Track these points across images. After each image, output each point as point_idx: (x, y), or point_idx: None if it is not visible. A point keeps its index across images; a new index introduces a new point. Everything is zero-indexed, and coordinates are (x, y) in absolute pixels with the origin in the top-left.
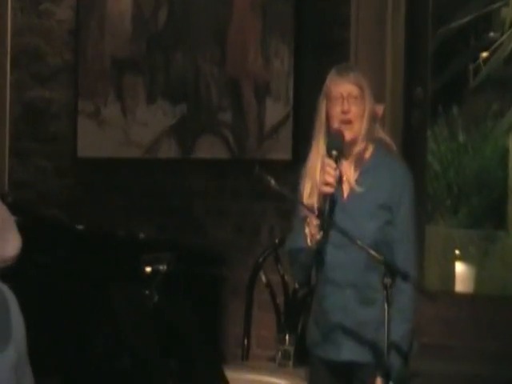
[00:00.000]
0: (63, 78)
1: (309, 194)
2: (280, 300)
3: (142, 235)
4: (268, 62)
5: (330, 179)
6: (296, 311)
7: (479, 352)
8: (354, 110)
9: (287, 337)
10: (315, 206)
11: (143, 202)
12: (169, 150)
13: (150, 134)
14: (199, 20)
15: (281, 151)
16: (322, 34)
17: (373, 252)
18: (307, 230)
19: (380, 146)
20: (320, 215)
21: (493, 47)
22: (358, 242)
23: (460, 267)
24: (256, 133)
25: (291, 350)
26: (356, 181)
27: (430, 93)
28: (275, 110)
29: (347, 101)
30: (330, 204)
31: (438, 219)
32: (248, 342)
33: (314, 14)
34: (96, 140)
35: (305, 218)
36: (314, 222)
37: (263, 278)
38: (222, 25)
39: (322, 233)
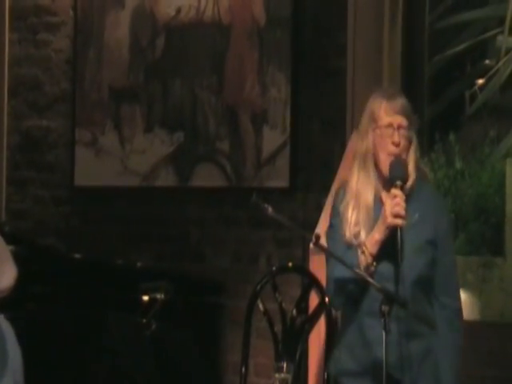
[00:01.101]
0: (60, 107)
1: (355, 221)
2: (278, 328)
3: (139, 264)
4: (265, 90)
5: (402, 211)
6: (294, 339)
7: (479, 380)
8: (402, 142)
9: (285, 365)
10: (362, 235)
11: (140, 230)
12: (166, 179)
13: (148, 162)
14: (196, 48)
15: (278, 179)
16: (318, 62)
17: (370, 279)
18: (362, 259)
19: (420, 175)
20: (316, 242)
21: (488, 74)
22: (356, 270)
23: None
24: (253, 161)
25: (289, 378)
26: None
27: (426, 120)
28: (272, 138)
29: (398, 132)
30: (401, 237)
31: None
32: (246, 370)
33: (311, 43)
34: (93, 169)
35: (358, 246)
36: (369, 251)
37: (261, 306)
38: (219, 53)
39: (374, 264)
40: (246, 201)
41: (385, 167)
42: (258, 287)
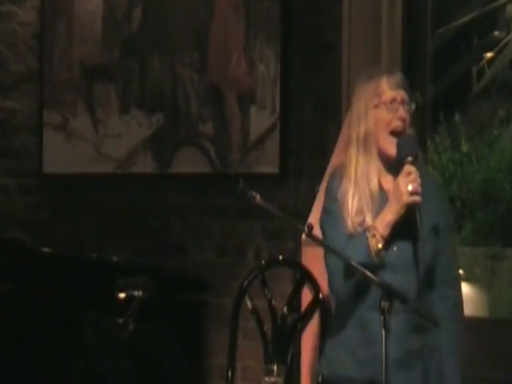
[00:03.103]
0: (27, 87)
1: (357, 210)
2: (267, 327)
3: (115, 258)
4: (252, 67)
5: (419, 188)
6: (285, 339)
7: (488, 382)
8: (407, 118)
9: (275, 368)
10: (368, 221)
11: (116, 221)
12: (144, 165)
13: (124, 147)
14: (177, 22)
15: (267, 164)
16: (311, 37)
17: (368, 273)
18: (373, 243)
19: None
20: (309, 233)
21: (498, 47)
22: (353, 263)
23: (465, 288)
24: (240, 145)
25: (280, 382)
26: None
27: (429, 99)
28: (260, 120)
29: (403, 107)
30: (420, 216)
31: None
32: (233, 373)
33: (303, 15)
34: (64, 154)
35: (368, 230)
36: (381, 233)
37: (249, 304)
38: (201, 27)
39: (384, 251)
40: (231, 188)
41: (389, 146)
42: (246, 283)
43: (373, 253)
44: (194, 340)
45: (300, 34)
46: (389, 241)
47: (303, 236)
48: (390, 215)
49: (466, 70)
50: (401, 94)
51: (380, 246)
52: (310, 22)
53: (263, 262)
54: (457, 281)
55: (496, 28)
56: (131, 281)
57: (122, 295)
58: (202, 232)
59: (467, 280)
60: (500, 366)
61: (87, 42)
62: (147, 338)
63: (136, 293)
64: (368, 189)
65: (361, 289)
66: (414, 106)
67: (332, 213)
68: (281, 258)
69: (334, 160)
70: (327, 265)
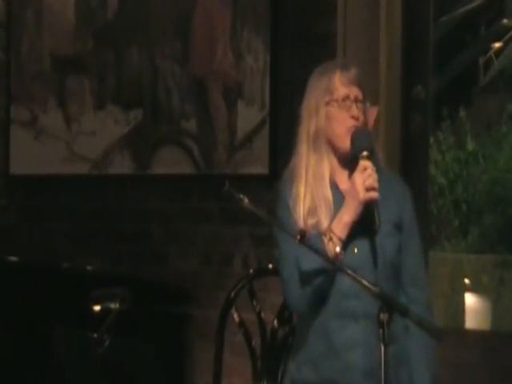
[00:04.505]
0: None
1: (309, 211)
2: (256, 342)
3: (89, 267)
4: (240, 58)
5: (375, 183)
6: (275, 355)
7: None
8: (361, 117)
9: None
10: (324, 223)
11: (91, 227)
12: (121, 165)
13: (99, 146)
14: (157, 9)
15: (256, 164)
16: (303, 26)
17: (365, 282)
18: (330, 247)
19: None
20: (301, 239)
21: (506, 37)
22: (346, 269)
23: (471, 299)
24: (226, 143)
25: None
26: None
27: (432, 92)
28: (248, 116)
29: (356, 105)
30: (378, 213)
31: (444, 243)
32: None
33: (294, 2)
34: (33, 154)
35: (325, 233)
36: (338, 236)
37: (236, 317)
38: (184, 15)
39: (342, 252)
40: (217, 191)
41: (343, 143)
42: (233, 294)
43: (330, 256)
44: (177, 356)
45: (291, 23)
46: (347, 242)
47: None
48: (347, 215)
49: (471, 62)
50: (354, 92)
51: (338, 249)
52: (302, 9)
53: (251, 270)
54: (425, 281)
55: (504, 16)
56: (107, 292)
57: (96, 308)
58: (185, 238)
59: (473, 290)
60: (509, 382)
61: (58, 31)
62: (124, 355)
63: (112, 305)
64: (320, 189)
65: (320, 296)
66: (368, 104)
67: (282, 221)
68: (270, 266)
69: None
70: (282, 273)
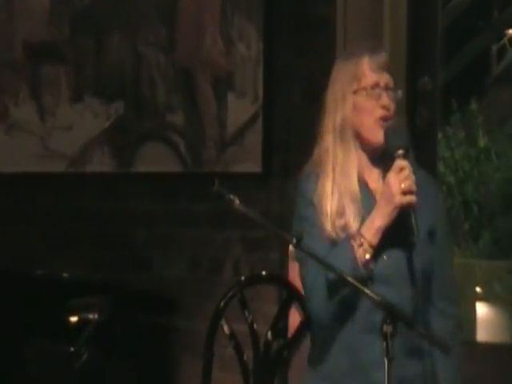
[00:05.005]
0: None
1: (337, 211)
2: (248, 356)
3: (66, 274)
4: (230, 46)
5: (413, 186)
6: (269, 370)
7: None
8: (392, 106)
9: None
10: (353, 226)
11: (68, 230)
12: (101, 163)
13: (76, 141)
14: None
15: (248, 162)
16: (299, 10)
17: (367, 291)
18: (360, 253)
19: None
20: (297, 244)
21: None
22: (346, 277)
23: (482, 309)
24: (215, 139)
25: None
26: None
27: (440, 84)
28: (240, 109)
29: (386, 93)
30: (415, 220)
31: (453, 248)
32: None
33: None
34: (4, 150)
35: (354, 237)
36: (369, 241)
37: (226, 328)
38: None
39: (373, 261)
40: (206, 191)
41: (372, 135)
42: (222, 303)
43: (360, 264)
44: (161, 372)
45: (286, 7)
46: (378, 249)
47: (290, 247)
48: (379, 220)
49: (483, 50)
50: (384, 78)
51: (368, 256)
52: None
53: (243, 278)
54: (457, 296)
55: None
56: (85, 301)
57: (74, 319)
58: (171, 243)
59: (485, 299)
60: None
61: (31, 16)
62: (104, 370)
63: (91, 316)
64: (348, 187)
65: (346, 308)
66: (400, 92)
67: (307, 219)
68: (264, 273)
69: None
70: (304, 279)
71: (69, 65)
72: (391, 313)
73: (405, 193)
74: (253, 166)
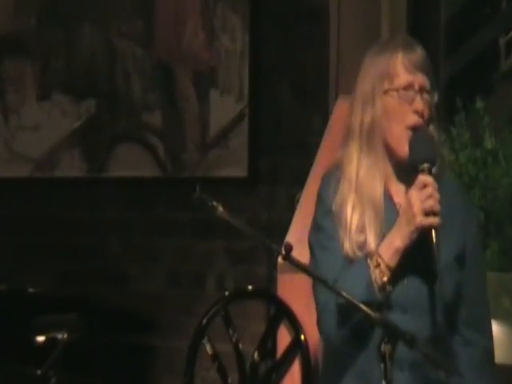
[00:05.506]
0: None
1: (357, 226)
2: (233, 378)
3: (31, 290)
4: (213, 39)
5: (436, 205)
6: None
7: None
8: (426, 111)
9: None
10: (371, 244)
11: (34, 240)
12: (71, 167)
13: (43, 143)
14: None
15: (232, 166)
16: (289, 0)
17: (363, 307)
18: (376, 275)
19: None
20: (287, 255)
21: None
22: (344, 295)
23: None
24: (197, 141)
25: None
26: None
27: (443, 80)
28: (224, 108)
29: (421, 96)
30: (437, 243)
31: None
32: None
33: None
34: None
35: (371, 256)
36: (387, 263)
37: (208, 348)
38: None
39: (390, 285)
40: (186, 197)
41: (400, 144)
42: (205, 321)
43: (376, 288)
44: None
45: None
46: (397, 272)
47: (279, 259)
48: (398, 240)
49: (490, 43)
50: (419, 79)
51: (385, 279)
52: None
53: (227, 293)
54: (486, 321)
55: None
56: (54, 319)
57: (41, 338)
58: (148, 254)
59: (493, 315)
60: None
61: None
62: None
63: (60, 335)
64: (372, 199)
65: (361, 332)
66: (436, 96)
67: (325, 229)
68: (250, 287)
69: (321, 160)
70: (317, 298)
71: (35, 59)
72: (390, 331)
73: (427, 213)
74: (238, 170)
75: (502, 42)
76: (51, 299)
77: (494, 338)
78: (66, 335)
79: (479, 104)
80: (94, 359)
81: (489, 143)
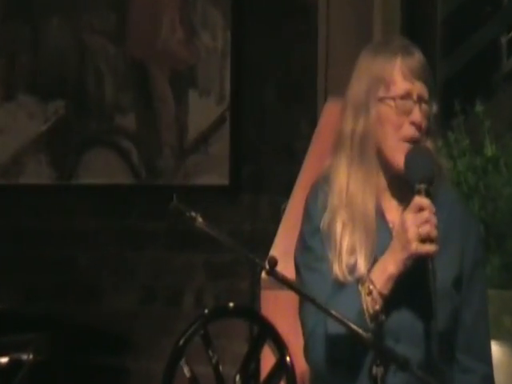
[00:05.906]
0: None
1: (347, 247)
2: None
3: None
4: (192, 35)
5: (433, 231)
6: None
7: None
8: (424, 124)
9: None
10: (361, 267)
11: None
12: (37, 173)
13: (7, 148)
14: None
15: (212, 173)
16: None
17: (355, 327)
18: (368, 302)
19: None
20: (271, 270)
21: None
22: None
23: (492, 347)
24: (174, 146)
25: None
26: None
27: (440, 82)
28: (204, 111)
29: (419, 107)
30: (433, 271)
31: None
32: None
33: None
34: None
35: (362, 282)
36: (379, 290)
37: (186, 371)
38: None
39: (383, 314)
40: (162, 206)
41: (394, 157)
42: (182, 341)
43: (367, 316)
44: None
45: None
46: (390, 300)
47: (263, 274)
48: (392, 266)
49: (490, 42)
50: (418, 88)
51: (378, 307)
52: None
53: (207, 310)
54: (485, 347)
55: None
56: (18, 339)
57: (4, 360)
58: (121, 268)
59: (493, 336)
60: None
61: None
62: None
63: (24, 356)
64: (363, 217)
65: (352, 358)
66: (435, 106)
67: (313, 250)
68: (231, 305)
69: (308, 167)
70: (304, 322)
71: None
72: (382, 354)
73: (423, 240)
74: (219, 177)
75: (503, 40)
76: (14, 316)
77: (494, 360)
78: (31, 356)
79: (479, 107)
80: (61, 382)
81: (489, 150)
